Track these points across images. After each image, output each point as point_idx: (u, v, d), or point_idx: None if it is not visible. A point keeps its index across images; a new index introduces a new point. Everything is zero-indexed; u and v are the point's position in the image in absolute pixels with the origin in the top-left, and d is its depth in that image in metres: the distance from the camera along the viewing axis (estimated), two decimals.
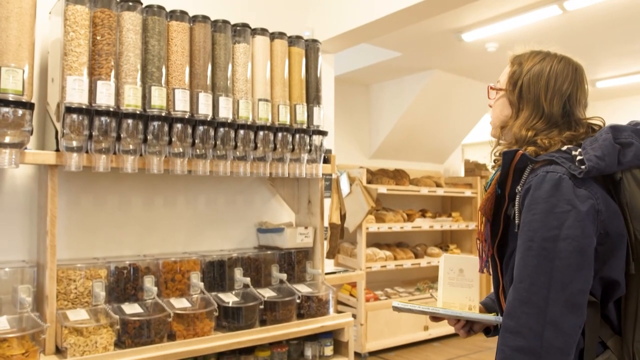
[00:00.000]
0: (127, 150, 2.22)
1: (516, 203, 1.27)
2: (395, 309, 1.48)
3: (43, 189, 2.23)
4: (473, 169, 7.00)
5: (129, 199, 2.69)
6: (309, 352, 2.74)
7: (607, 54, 5.65)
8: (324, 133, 2.81)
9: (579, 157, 1.24)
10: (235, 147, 2.48)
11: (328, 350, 2.79)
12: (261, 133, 2.56)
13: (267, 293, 2.68)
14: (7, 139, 1.97)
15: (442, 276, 1.50)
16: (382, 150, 6.47)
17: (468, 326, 1.53)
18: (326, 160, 2.90)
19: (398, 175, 5.99)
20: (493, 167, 1.44)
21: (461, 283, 1.47)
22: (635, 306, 1.21)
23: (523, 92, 1.38)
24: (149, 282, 2.43)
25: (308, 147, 2.74)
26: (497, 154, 1.43)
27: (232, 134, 2.46)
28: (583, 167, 1.21)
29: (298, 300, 2.70)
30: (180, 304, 2.42)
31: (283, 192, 3.12)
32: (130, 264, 2.44)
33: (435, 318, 1.50)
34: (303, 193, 3.08)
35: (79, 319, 2.16)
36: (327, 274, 3.16)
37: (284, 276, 2.80)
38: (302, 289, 2.79)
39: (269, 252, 2.89)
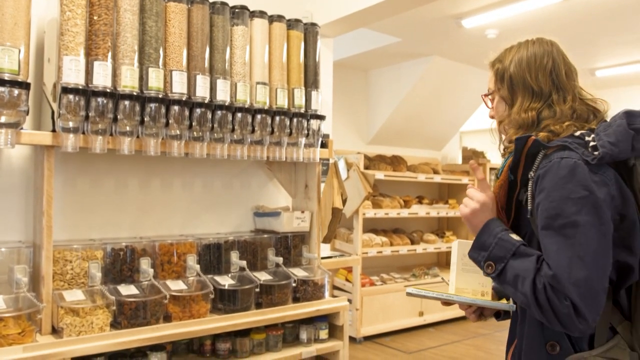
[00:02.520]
0: (124, 131, 2.21)
1: (529, 188, 1.28)
2: (409, 294, 1.50)
3: (39, 169, 2.23)
4: (470, 156, 7.00)
5: (126, 181, 2.69)
6: (304, 336, 2.76)
7: (607, 43, 5.63)
8: (321, 117, 2.80)
9: (592, 143, 1.24)
10: (233, 130, 2.47)
11: (323, 334, 2.81)
12: (259, 116, 2.55)
13: (263, 276, 2.69)
14: (2, 119, 1.96)
15: (456, 262, 1.50)
16: (380, 136, 6.46)
17: (479, 311, 1.56)
18: (324, 145, 2.90)
19: (395, 162, 5.98)
20: (503, 155, 1.46)
21: (474, 269, 1.44)
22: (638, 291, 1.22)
23: (513, 82, 1.42)
24: (145, 264, 2.43)
25: (306, 132, 2.73)
26: (508, 141, 1.43)
27: (230, 117, 2.45)
28: (596, 153, 1.22)
29: (294, 284, 2.71)
30: (176, 286, 2.43)
31: (280, 176, 3.12)
32: (126, 246, 2.44)
33: (447, 302, 1.50)
34: (300, 177, 3.08)
35: (75, 300, 2.16)
36: (323, 258, 3.17)
37: (280, 260, 2.81)
38: (298, 272, 2.80)
39: (265, 235, 2.90)
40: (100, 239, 2.50)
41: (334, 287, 5.58)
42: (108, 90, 2.13)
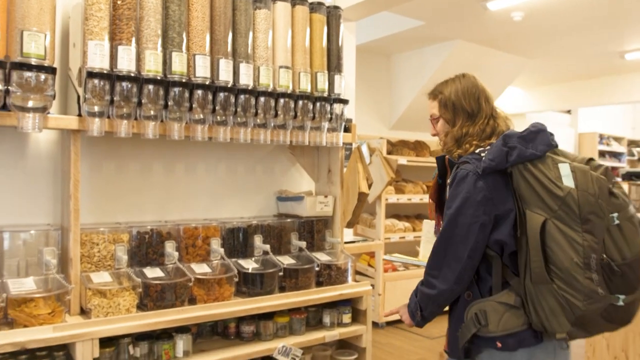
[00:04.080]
0: (148, 116, 2.23)
1: (447, 190, 1.82)
2: (388, 261, 2.06)
3: (66, 154, 2.26)
4: None
5: (150, 165, 2.72)
6: (327, 319, 2.77)
7: (636, 25, 5.48)
8: (344, 101, 2.78)
9: (483, 157, 1.76)
10: (256, 114, 2.47)
11: (346, 318, 2.82)
12: (282, 100, 2.54)
13: (286, 260, 2.70)
14: (30, 104, 1.98)
15: (423, 236, 2.01)
16: (402, 122, 6.41)
17: None
18: (347, 129, 2.88)
19: (418, 147, 5.94)
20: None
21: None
22: (524, 257, 1.68)
23: (455, 107, 1.93)
24: (170, 247, 2.46)
25: (329, 116, 2.72)
26: (447, 151, 1.95)
27: (253, 101, 2.45)
28: (482, 165, 1.73)
29: (317, 268, 2.72)
30: (200, 269, 2.45)
31: (303, 160, 3.11)
32: (151, 229, 2.47)
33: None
34: (323, 162, 3.08)
35: (102, 282, 2.20)
36: (346, 243, 3.17)
37: (303, 244, 2.81)
38: (321, 257, 2.81)
39: (288, 220, 2.90)
40: (126, 223, 2.53)
41: (357, 272, 5.58)
42: (132, 75, 2.15)
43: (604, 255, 1.59)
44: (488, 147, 1.79)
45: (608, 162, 9.21)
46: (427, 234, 2.04)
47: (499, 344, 1.71)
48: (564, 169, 1.64)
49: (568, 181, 1.62)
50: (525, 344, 1.70)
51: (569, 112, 9.34)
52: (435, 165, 2.09)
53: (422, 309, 1.85)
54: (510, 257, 1.73)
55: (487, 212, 1.71)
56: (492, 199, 1.71)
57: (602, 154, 9.07)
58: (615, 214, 1.60)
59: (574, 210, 1.59)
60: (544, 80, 8.09)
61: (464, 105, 1.91)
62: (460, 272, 1.73)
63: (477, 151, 1.80)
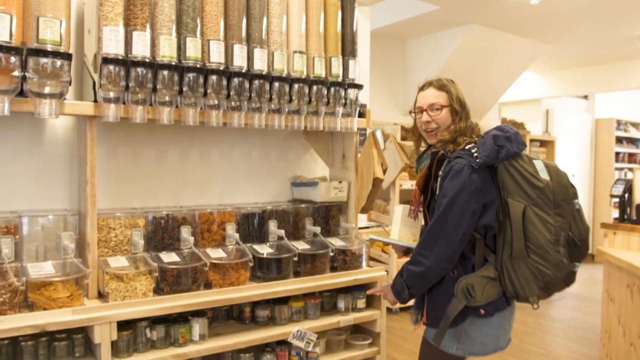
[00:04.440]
0: (163, 101, 2.23)
1: (438, 181, 2.01)
2: (371, 240, 2.36)
3: (82, 139, 2.28)
4: None
5: (165, 151, 2.73)
6: (342, 304, 2.78)
7: None
8: (359, 87, 2.77)
9: (475, 154, 1.98)
10: (270, 99, 2.47)
11: (361, 303, 2.83)
12: (296, 86, 2.54)
13: (301, 245, 2.71)
14: (46, 90, 2.00)
15: (400, 219, 2.23)
16: None
17: (405, 249, 2.31)
18: (361, 115, 2.87)
19: None
20: (427, 154, 2.14)
21: (411, 224, 2.27)
22: (502, 237, 1.98)
23: (462, 103, 2.14)
24: (185, 232, 2.48)
25: (343, 101, 2.71)
26: (440, 142, 2.11)
27: (267, 86, 2.45)
28: (477, 160, 1.95)
29: (331, 253, 2.73)
30: (216, 254, 2.47)
31: (317, 146, 3.11)
32: (167, 214, 2.49)
33: (396, 246, 2.31)
34: (337, 147, 3.07)
35: (119, 266, 2.23)
36: (360, 228, 3.17)
37: (318, 229, 2.82)
38: (336, 242, 2.81)
39: (303, 205, 2.91)
40: (142, 208, 2.56)
41: (370, 258, 5.58)
42: (147, 60, 2.15)
43: (570, 233, 1.97)
44: (473, 144, 2.03)
45: (625, 149, 9.08)
46: (404, 217, 2.20)
47: (482, 312, 2.00)
48: (539, 165, 2.01)
49: (544, 174, 1.98)
50: (499, 309, 2.04)
51: (585, 97, 9.21)
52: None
53: (408, 287, 2.05)
54: (492, 237, 2.02)
55: (477, 201, 1.95)
56: (482, 190, 1.96)
57: (619, 140, 8.93)
58: (576, 200, 2.01)
59: (549, 198, 1.95)
60: (560, 65, 7.98)
61: (466, 104, 2.15)
62: (452, 253, 1.96)
63: (466, 147, 2.02)
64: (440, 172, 2.01)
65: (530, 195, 1.95)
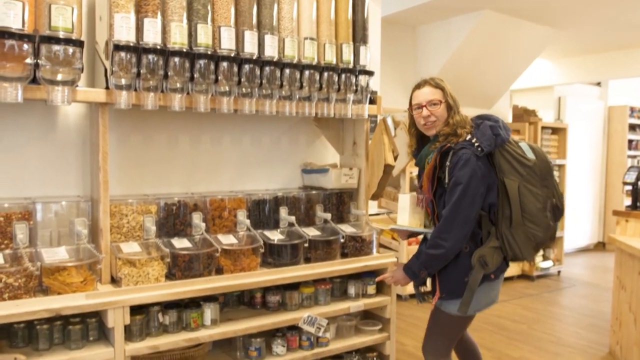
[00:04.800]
0: (175, 88, 2.24)
1: (446, 170, 2.24)
2: (393, 230, 2.49)
3: (94, 126, 2.29)
4: (522, 114, 6.78)
5: (177, 137, 2.74)
6: (352, 290, 2.80)
7: None
8: (370, 73, 2.76)
9: (476, 144, 2.23)
10: (281, 86, 2.47)
11: (371, 289, 2.84)
12: (307, 72, 2.53)
13: (311, 232, 2.72)
14: (59, 77, 2.01)
15: (408, 207, 2.40)
16: None
17: (409, 234, 2.55)
18: (372, 101, 2.87)
19: None
20: (432, 148, 2.34)
21: (418, 212, 2.45)
22: (501, 212, 2.26)
23: (454, 99, 2.36)
24: (197, 219, 2.50)
25: (354, 88, 2.71)
26: (443, 135, 2.32)
27: (278, 73, 2.45)
28: (479, 149, 2.22)
29: (342, 240, 2.74)
30: (227, 240, 2.48)
31: (328, 133, 3.11)
32: (179, 201, 2.51)
33: (403, 232, 2.52)
34: (348, 134, 3.07)
35: (131, 252, 2.25)
36: (370, 215, 3.18)
37: (328, 216, 2.83)
38: (346, 228, 2.82)
39: (313, 192, 2.92)
40: (154, 194, 2.58)
41: (381, 245, 5.59)
42: (158, 47, 2.16)
43: (554, 200, 2.33)
44: (471, 135, 2.28)
45: (638, 136, 8.99)
46: (412, 205, 2.40)
47: (492, 276, 2.33)
48: (524, 147, 2.35)
49: (530, 154, 2.32)
50: (502, 271, 2.36)
51: (598, 84, 9.11)
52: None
53: (427, 268, 2.30)
54: (492, 214, 2.30)
55: (484, 183, 2.23)
56: (485, 175, 2.23)
57: (632, 127, 8.82)
58: (556, 173, 2.39)
59: (537, 173, 2.30)
60: (573, 52, 7.88)
61: (456, 99, 2.38)
62: (467, 232, 2.22)
63: (467, 139, 2.26)
64: (447, 163, 2.24)
65: (521, 173, 2.28)
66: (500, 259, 2.29)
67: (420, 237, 2.55)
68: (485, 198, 2.25)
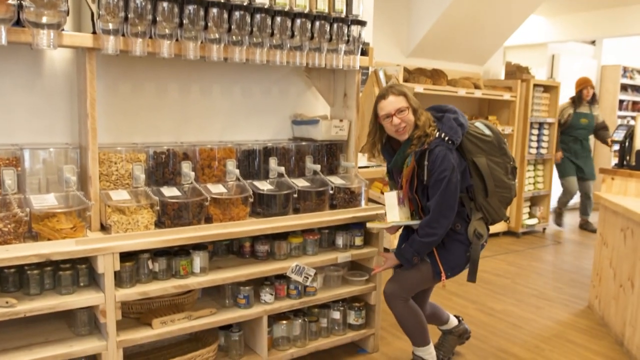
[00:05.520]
0: (163, 34, 2.20)
1: (425, 169, 2.44)
2: (393, 226, 2.62)
3: (82, 73, 2.25)
4: (514, 71, 6.73)
5: (165, 86, 2.71)
6: (340, 241, 2.83)
7: None
8: (362, 23, 2.72)
9: (446, 138, 2.44)
10: (272, 34, 2.43)
11: (358, 241, 2.88)
12: (298, 21, 2.49)
13: (300, 183, 2.73)
14: (44, 19, 1.96)
15: (395, 204, 2.57)
16: (420, 49, 6.25)
17: (397, 228, 2.72)
18: (364, 53, 2.83)
19: (436, 75, 5.82)
20: (408, 152, 2.50)
21: (401, 207, 2.59)
22: (475, 187, 2.55)
23: (416, 103, 2.51)
24: (186, 168, 2.50)
25: (346, 38, 2.67)
26: (416, 137, 2.48)
27: (269, 20, 2.40)
28: (451, 142, 2.44)
29: (331, 191, 2.75)
30: (216, 189, 2.49)
31: (319, 84, 3.08)
32: (168, 149, 2.50)
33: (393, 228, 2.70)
34: (339, 85, 3.05)
35: (121, 199, 2.25)
36: (360, 167, 3.19)
37: (318, 167, 2.83)
38: (335, 180, 2.84)
39: (303, 143, 2.91)
40: (143, 143, 2.56)
41: (369, 200, 5.64)
42: None
43: (511, 163, 2.63)
44: (438, 131, 2.47)
45: (630, 97, 8.98)
46: (394, 202, 2.58)
47: (485, 243, 2.63)
48: (480, 125, 2.63)
49: (487, 131, 2.60)
50: (486, 234, 2.61)
51: (593, 43, 9.03)
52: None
53: (419, 253, 2.52)
54: (468, 191, 2.58)
55: (458, 172, 2.46)
56: (458, 164, 2.47)
57: (624, 87, 8.80)
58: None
59: (496, 146, 2.58)
60: (569, 9, 7.77)
61: (417, 101, 2.53)
62: (452, 216, 2.48)
63: (437, 135, 2.46)
64: (425, 162, 2.44)
65: (485, 149, 2.57)
66: (485, 226, 2.61)
67: (401, 229, 2.78)
68: (462, 183, 2.50)
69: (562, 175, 6.49)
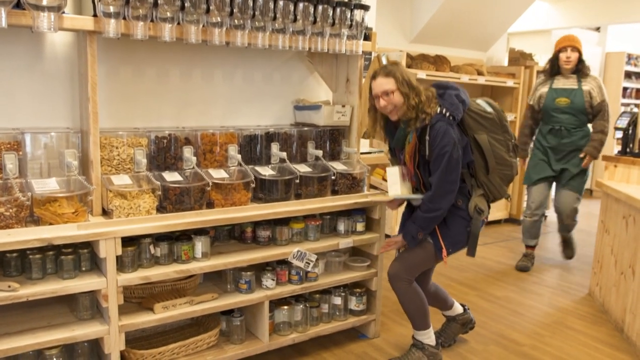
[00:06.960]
0: (165, 17, 2.18)
1: (427, 144, 2.44)
2: (395, 199, 2.65)
3: (83, 56, 2.24)
4: (518, 58, 6.69)
5: (167, 71, 2.69)
6: (341, 227, 2.83)
7: None
8: (365, 8, 2.69)
9: (447, 114, 2.43)
10: (274, 18, 2.41)
11: (360, 227, 2.88)
12: (301, 5, 2.47)
13: (302, 168, 2.72)
14: (44, 2, 1.95)
15: (399, 179, 2.59)
16: (423, 35, 6.21)
17: (400, 202, 2.78)
18: (367, 38, 2.81)
19: (439, 61, 5.79)
20: (408, 130, 2.50)
21: (404, 182, 2.62)
22: (477, 164, 2.57)
23: (409, 84, 2.46)
24: (188, 153, 2.49)
25: (349, 22, 2.65)
26: (406, 117, 2.49)
27: (271, 4, 2.38)
28: (452, 118, 2.43)
29: (333, 177, 2.75)
30: (218, 174, 2.48)
31: (321, 69, 3.06)
32: (169, 134, 2.49)
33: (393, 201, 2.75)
34: (342, 71, 3.02)
35: (122, 184, 2.25)
36: (362, 153, 3.18)
37: (320, 153, 2.83)
38: (337, 166, 2.83)
39: (305, 128, 2.90)
40: (145, 127, 2.55)
41: (371, 186, 5.63)
42: None
43: (513, 141, 2.64)
44: (439, 107, 2.46)
45: (634, 84, 8.92)
46: (397, 177, 2.60)
47: (485, 219, 2.65)
48: (482, 103, 2.61)
49: (489, 108, 2.59)
50: (487, 210, 2.63)
51: (597, 29, 8.96)
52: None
53: (424, 228, 2.53)
54: (469, 167, 2.60)
55: (460, 147, 2.46)
56: (459, 139, 2.47)
57: (628, 74, 8.74)
58: (506, 117, 2.64)
59: (498, 123, 2.59)
60: None
61: (412, 83, 2.48)
62: (454, 191, 2.50)
63: (438, 111, 2.45)
64: (427, 137, 2.44)
65: (486, 126, 2.57)
66: (486, 202, 2.62)
67: (404, 205, 2.83)
68: (463, 158, 2.50)
69: (527, 181, 4.49)
